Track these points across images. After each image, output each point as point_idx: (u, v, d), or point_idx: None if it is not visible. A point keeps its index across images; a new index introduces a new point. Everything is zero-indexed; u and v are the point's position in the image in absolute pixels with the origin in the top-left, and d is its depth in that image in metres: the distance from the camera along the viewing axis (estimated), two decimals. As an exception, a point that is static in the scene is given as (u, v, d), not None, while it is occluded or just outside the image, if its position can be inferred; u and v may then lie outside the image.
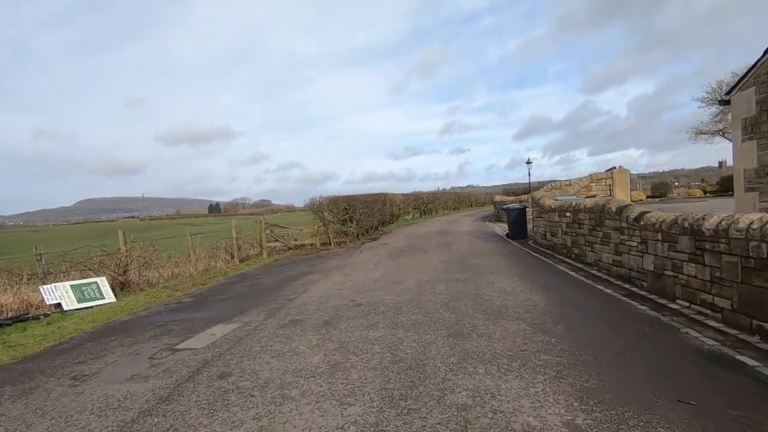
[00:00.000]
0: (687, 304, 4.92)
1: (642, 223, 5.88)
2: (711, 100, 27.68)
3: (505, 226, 18.19)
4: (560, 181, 19.31)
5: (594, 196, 13.23)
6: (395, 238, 15.92)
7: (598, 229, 7.44)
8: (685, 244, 4.94)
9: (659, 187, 33.41)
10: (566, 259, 8.87)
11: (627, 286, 6.23)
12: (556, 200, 11.00)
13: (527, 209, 13.49)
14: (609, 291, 6.01)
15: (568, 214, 8.99)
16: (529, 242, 12.39)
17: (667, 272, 5.35)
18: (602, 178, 14.41)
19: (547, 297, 5.76)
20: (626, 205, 6.59)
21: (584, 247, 8.15)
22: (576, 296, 5.80)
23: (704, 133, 29.48)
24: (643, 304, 5.21)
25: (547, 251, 10.21)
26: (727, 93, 7.72)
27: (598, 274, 7.21)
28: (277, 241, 13.41)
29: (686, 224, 4.90)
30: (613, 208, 6.81)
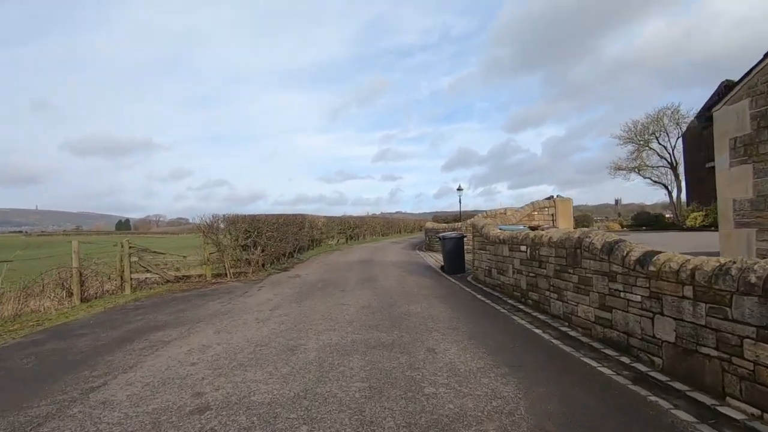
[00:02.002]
0: (757, 412, 2.96)
1: (652, 269, 3.97)
2: (627, 138, 29.29)
3: (438, 256, 16.36)
4: (495, 209, 18.09)
5: (537, 225, 11.79)
6: (310, 269, 13.20)
7: (571, 271, 5.52)
8: (748, 310, 3.03)
9: (582, 219, 34.57)
10: (521, 306, 6.89)
11: (626, 359, 4.24)
12: (502, 229, 9.21)
13: (465, 239, 11.64)
14: (607, 371, 3.95)
15: (523, 248, 7.09)
16: (468, 278, 10.44)
17: (704, 349, 3.41)
18: (545, 207, 13.16)
19: (523, 390, 3.53)
20: (618, 241, 4.71)
21: (547, 293, 6.21)
22: (566, 387, 3.63)
23: (622, 169, 31.07)
24: (680, 407, 3.17)
25: (494, 293, 8.24)
26: (708, 108, 6.38)
27: (573, 334, 5.22)
28: (148, 271, 10.05)
29: (751, 278, 2.99)
30: (597, 245, 4.91)
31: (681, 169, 29.16)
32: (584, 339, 5.00)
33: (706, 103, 28.43)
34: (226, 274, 11.24)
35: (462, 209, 36.86)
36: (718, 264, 3.36)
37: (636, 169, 30.37)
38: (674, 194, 29.71)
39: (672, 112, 28.76)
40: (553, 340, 5.00)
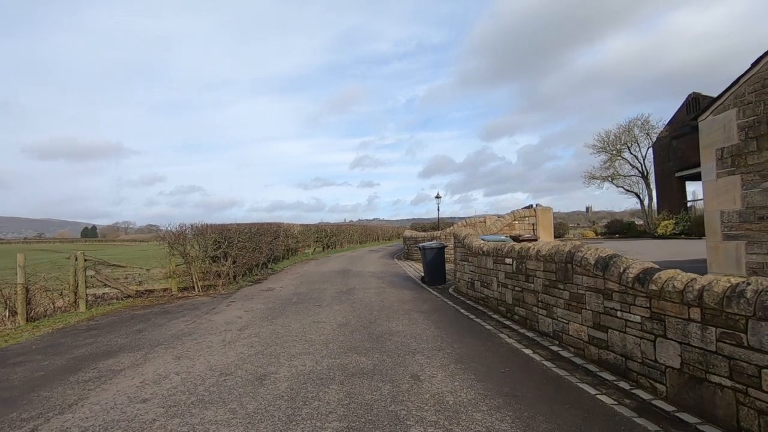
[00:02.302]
0: (780, 451, 2.67)
1: (653, 288, 3.68)
2: (600, 148, 29.93)
3: (417, 265, 16.01)
4: (474, 218, 17.95)
5: (519, 235, 11.59)
6: (285, 281, 12.60)
7: (561, 286, 5.22)
8: (766, 337, 2.75)
9: (557, 227, 35.00)
10: (507, 322, 6.57)
11: (625, 385, 3.94)
12: (485, 240, 8.92)
13: (446, 249, 11.31)
14: (607, 400, 3.63)
15: (508, 260, 6.78)
16: (450, 290, 10.10)
17: (715, 378, 3.12)
18: (525, 216, 13.00)
19: (522, 428, 3.15)
20: (613, 257, 4.43)
21: (535, 309, 5.90)
22: (569, 422, 3.26)
23: (596, 178, 31.69)
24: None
25: (478, 307, 7.90)
26: (695, 117, 6.27)
27: (565, 355, 4.91)
28: (107, 285, 9.26)
29: (770, 302, 2.72)
30: (591, 260, 4.62)
31: (652, 178, 29.96)
32: (577, 360, 4.69)
33: (675, 115, 29.39)
34: (193, 288, 10.53)
35: (439, 216, 36.77)
36: (729, 285, 3.08)
37: (609, 178, 31.09)
38: (645, 202, 30.51)
39: (642, 123, 29.61)
40: (545, 362, 4.66)
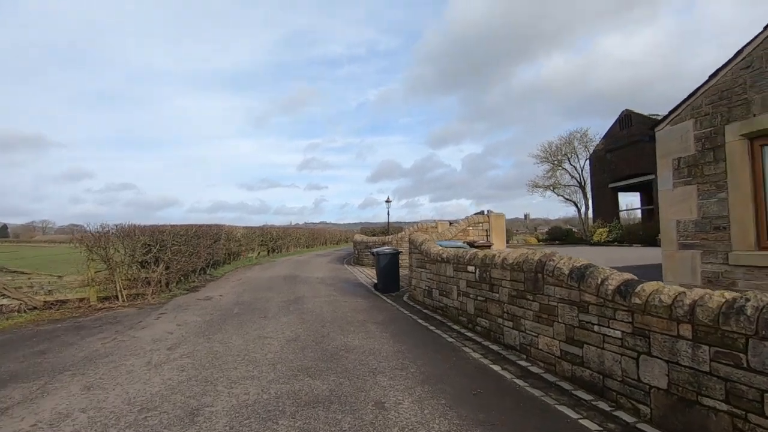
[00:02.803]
0: (787, 485, 2.44)
1: (636, 301, 3.43)
2: (543, 158, 31.34)
3: (369, 271, 15.50)
4: (426, 223, 17.80)
5: (474, 241, 11.47)
6: (226, 288, 11.54)
7: (530, 297, 4.94)
8: (771, 358, 2.53)
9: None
10: (469, 333, 6.23)
11: (605, 406, 3.66)
12: (441, 245, 8.61)
13: (401, 254, 10.91)
14: (591, 425, 3.31)
15: (471, 268, 6.46)
16: (405, 298, 9.69)
17: (708, 401, 2.89)
18: (479, 222, 12.95)
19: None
20: (588, 266, 4.19)
21: (500, 321, 5.59)
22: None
23: (539, 187, 33.12)
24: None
25: (436, 316, 7.52)
26: (653, 127, 6.33)
27: (535, 371, 4.60)
28: (4, 295, 7.80)
29: (775, 320, 2.50)
30: (565, 269, 4.36)
31: (588, 188, 31.82)
32: (549, 377, 4.39)
33: (609, 130, 31.45)
34: (117, 297, 9.24)
35: (385, 221, 36.61)
36: (724, 300, 2.87)
37: (551, 187, 32.72)
38: (582, 211, 32.37)
39: (581, 136, 31.47)
40: (517, 380, 4.32)
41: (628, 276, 3.81)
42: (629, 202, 32.63)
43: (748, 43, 5.03)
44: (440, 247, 8.11)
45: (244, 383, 4.24)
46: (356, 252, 20.25)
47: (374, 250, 10.89)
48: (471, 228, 12.84)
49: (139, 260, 9.77)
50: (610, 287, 3.75)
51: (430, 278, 8.28)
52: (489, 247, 11.17)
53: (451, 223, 17.10)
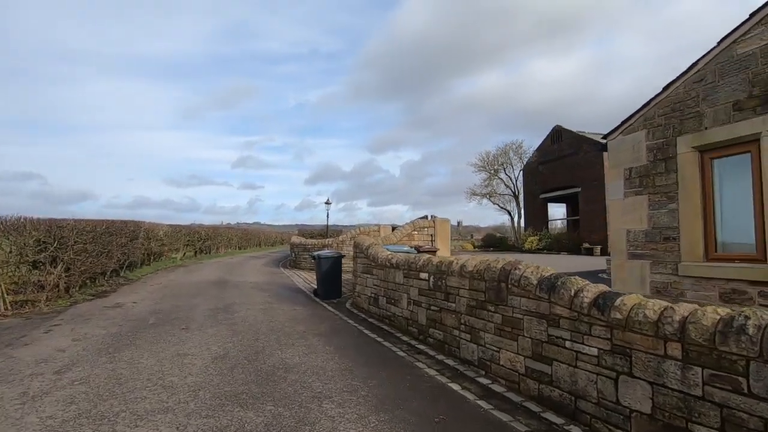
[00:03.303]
0: None
1: (616, 316, 3.14)
2: (481, 167, 32.37)
3: (307, 275, 14.63)
4: (368, 226, 17.32)
5: (419, 246, 11.13)
6: (142, 294, 10.11)
7: (492, 308, 4.56)
8: (777, 383, 2.28)
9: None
10: (420, 346, 5.75)
11: (578, 431, 3.33)
12: (389, 250, 8.11)
13: (343, 258, 10.26)
14: (571, 457, 2.93)
15: (424, 275, 6.00)
16: (348, 305, 9.06)
17: (701, 429, 2.61)
18: (425, 227, 12.68)
19: None
20: (558, 276, 3.88)
21: (456, 333, 5.18)
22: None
23: (476, 195, 34.14)
24: None
25: (382, 326, 6.98)
26: (605, 136, 6.33)
27: (497, 389, 4.21)
28: None
29: (782, 341, 2.25)
30: (533, 279, 4.02)
31: (521, 198, 33.39)
32: (513, 397, 4.02)
33: (541, 143, 33.27)
34: (-2, 305, 7.59)
35: (321, 224, 35.71)
36: (719, 317, 2.62)
37: (488, 195, 33.94)
38: (515, 220, 33.91)
39: (516, 147, 32.99)
40: (480, 402, 3.89)
41: (603, 288, 3.53)
42: (557, 212, 34.73)
43: (702, 57, 5.11)
44: (389, 252, 7.60)
45: (153, 419, 3.36)
46: (293, 255, 19.21)
47: (315, 253, 10.14)
48: (416, 233, 12.55)
49: (31, 260, 8.15)
50: (586, 300, 3.44)
51: (376, 285, 7.73)
52: (434, 252, 10.90)
53: (394, 228, 16.75)
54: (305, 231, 37.17)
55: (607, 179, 6.33)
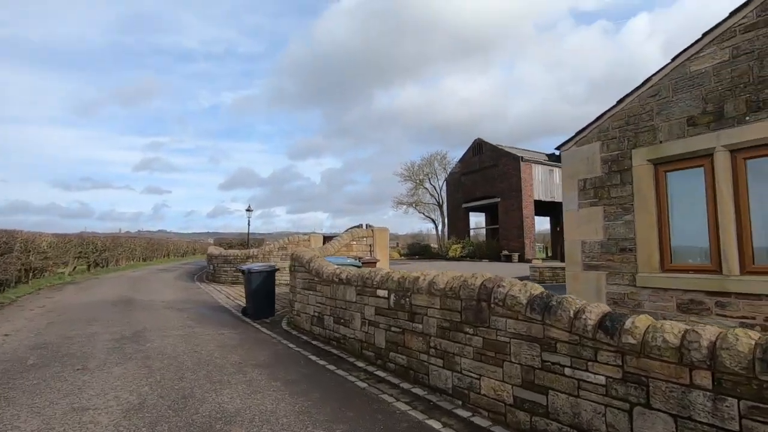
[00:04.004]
0: None
1: (629, 341, 2.83)
2: (407, 176, 32.76)
3: (229, 290, 13.19)
4: (297, 236, 16.32)
5: (359, 257, 10.49)
6: (19, 321, 8.10)
7: (470, 330, 4.11)
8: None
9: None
10: (380, 373, 5.12)
11: (587, 471, 2.96)
12: (332, 262, 7.38)
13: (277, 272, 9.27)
14: None
15: (382, 293, 5.40)
16: (283, 325, 8.12)
17: (739, 468, 2.35)
18: (363, 236, 12.07)
19: None
20: (549, 295, 3.53)
21: (425, 357, 4.64)
22: None
23: (402, 204, 34.41)
24: None
25: (331, 350, 6.23)
26: (559, 147, 6.33)
27: (482, 423, 3.74)
28: None
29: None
30: (522, 298, 3.63)
31: (445, 207, 34.42)
32: (501, 431, 3.57)
33: (464, 155, 34.68)
34: None
35: (238, 231, 33.51)
36: (754, 342, 2.40)
37: (414, 204, 34.44)
38: (439, 228, 34.82)
39: (441, 158, 34.02)
40: (469, 443, 3.37)
41: (604, 307, 3.24)
42: (478, 221, 36.40)
43: (656, 73, 5.25)
44: (336, 266, 6.87)
45: None
46: (212, 267, 17.37)
47: (244, 267, 9.00)
48: (354, 242, 11.89)
49: None
50: (590, 322, 3.11)
51: (321, 302, 6.94)
52: (375, 263, 10.35)
53: (326, 237, 15.93)
54: (223, 240, 34.47)
55: (563, 190, 6.32)
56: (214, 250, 18.73)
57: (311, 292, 7.31)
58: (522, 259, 27.26)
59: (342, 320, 6.29)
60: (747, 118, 4.44)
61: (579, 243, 6.06)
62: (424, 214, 35.11)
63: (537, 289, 3.72)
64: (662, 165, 5.23)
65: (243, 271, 8.94)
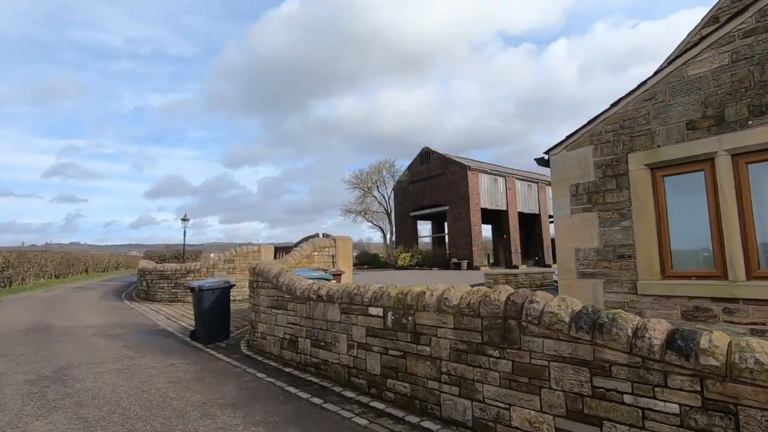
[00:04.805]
0: None
1: (711, 363, 2.48)
2: (355, 184, 32.14)
3: (167, 309, 11.68)
4: (246, 247, 15.11)
5: (323, 269, 9.67)
6: None
7: (495, 353, 3.60)
8: None
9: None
10: (379, 404, 4.44)
11: None
12: (301, 275, 6.57)
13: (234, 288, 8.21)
14: None
15: (376, 311, 4.74)
16: (244, 349, 7.12)
17: None
18: (325, 247, 11.21)
19: None
20: (596, 310, 3.12)
21: (434, 385, 4.05)
22: None
23: (351, 212, 33.64)
24: None
25: (310, 378, 5.42)
26: (548, 151, 6.12)
27: (520, 462, 3.22)
28: None
29: None
30: (563, 315, 3.19)
31: (393, 216, 34.22)
32: (547, 472, 3.07)
33: (411, 163, 34.80)
34: None
35: (165, 243, 30.87)
36: None
37: (362, 213, 33.82)
38: (388, 237, 34.51)
39: (389, 166, 33.85)
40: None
41: (667, 324, 2.87)
42: (427, 229, 36.65)
43: (652, 76, 5.18)
44: (311, 281, 6.07)
45: None
46: (144, 284, 15.45)
47: (195, 283, 7.84)
48: (316, 253, 11.01)
49: None
50: (656, 341, 2.72)
51: (294, 323, 6.09)
52: (340, 275, 9.60)
53: (277, 248, 14.84)
54: (153, 253, 31.38)
55: (553, 195, 6.09)
56: (146, 264, 16.73)
57: (280, 311, 6.42)
58: (471, 266, 27.71)
59: (322, 343, 5.51)
60: (750, 122, 4.43)
61: (572, 250, 5.85)
62: (372, 222, 34.71)
63: (577, 303, 3.30)
64: (660, 169, 5.14)
65: (193, 289, 7.77)
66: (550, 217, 34.65)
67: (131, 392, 4.87)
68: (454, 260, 28.51)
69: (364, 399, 4.61)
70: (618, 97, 5.49)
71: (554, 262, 33.08)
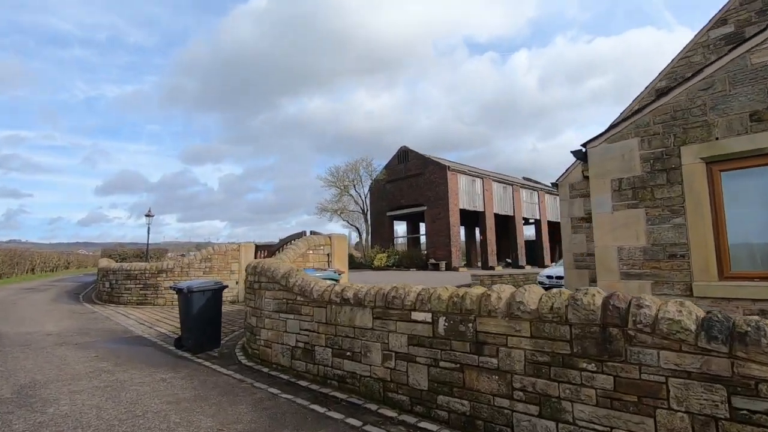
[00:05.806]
0: None
1: None
2: (331, 182, 31.19)
3: (136, 312, 10.53)
4: (225, 245, 14.07)
5: (319, 268, 8.90)
6: None
7: (590, 366, 3.07)
8: None
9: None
10: (430, 425, 3.82)
11: None
12: (310, 274, 5.84)
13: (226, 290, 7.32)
14: None
15: (421, 315, 4.11)
16: (241, 358, 6.29)
17: None
18: (321, 245, 10.40)
19: None
20: (729, 317, 2.65)
21: (505, 403, 3.48)
22: None
23: (327, 210, 32.61)
24: None
25: (331, 392, 4.71)
26: (585, 144, 5.72)
27: (636, 499, 2.70)
28: None
29: None
30: (688, 322, 2.70)
31: (369, 215, 33.54)
32: None
33: (388, 163, 34.25)
34: None
35: (118, 241, 28.83)
36: None
37: (338, 212, 32.89)
38: (363, 237, 33.77)
39: (366, 164, 33.13)
40: None
41: (827, 333, 2.43)
42: (403, 230, 36.22)
43: (710, 64, 4.87)
44: (331, 282, 5.36)
45: None
46: (107, 284, 13.99)
47: (182, 285, 6.90)
48: (311, 252, 10.19)
49: None
50: (824, 355, 2.28)
51: (309, 330, 5.35)
52: (340, 274, 8.87)
53: (258, 247, 13.85)
54: (112, 251, 29.11)
55: (592, 191, 5.68)
56: (109, 263, 15.19)
57: (291, 316, 5.65)
58: (449, 267, 27.51)
59: (348, 353, 4.81)
60: (824, 113, 4.16)
61: (615, 249, 5.46)
62: (348, 222, 33.86)
63: (698, 308, 2.83)
64: (717, 163, 4.83)
65: (181, 290, 6.82)
66: (524, 219, 35.13)
67: (123, 417, 3.98)
68: (432, 261, 28.21)
69: (409, 419, 3.97)
70: (639, 92, 5.13)
71: (527, 263, 33.50)
